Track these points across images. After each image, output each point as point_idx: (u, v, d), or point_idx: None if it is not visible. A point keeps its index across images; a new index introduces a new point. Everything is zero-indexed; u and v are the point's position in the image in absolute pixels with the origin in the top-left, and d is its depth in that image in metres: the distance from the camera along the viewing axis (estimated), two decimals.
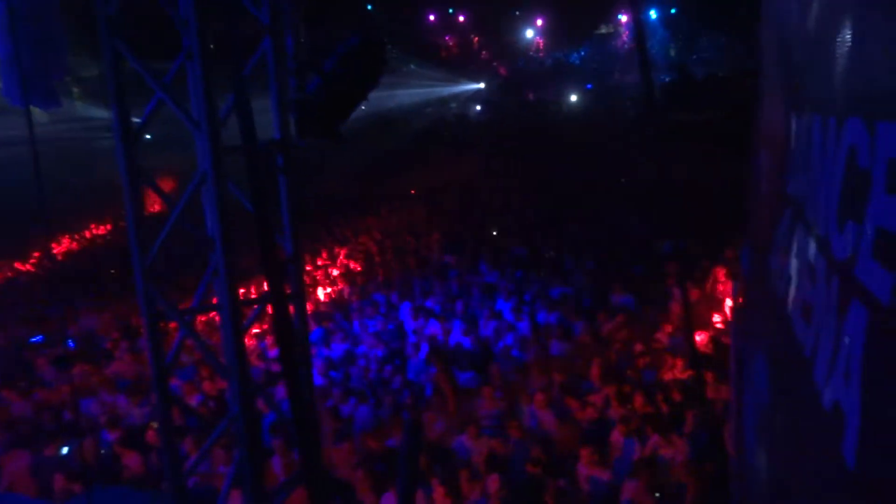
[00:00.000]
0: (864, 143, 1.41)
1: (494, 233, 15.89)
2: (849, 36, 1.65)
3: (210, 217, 3.11)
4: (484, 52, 25.39)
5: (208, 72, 2.88)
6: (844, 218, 1.56)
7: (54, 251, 19.44)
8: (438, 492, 5.98)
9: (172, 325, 6.51)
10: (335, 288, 13.91)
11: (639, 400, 7.32)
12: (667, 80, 21.39)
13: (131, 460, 7.09)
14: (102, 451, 7.44)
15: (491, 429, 7.50)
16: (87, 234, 21.10)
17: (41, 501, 6.17)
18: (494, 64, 25.34)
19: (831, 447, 1.50)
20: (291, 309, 3.59)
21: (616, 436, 6.84)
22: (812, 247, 2.03)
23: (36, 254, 18.83)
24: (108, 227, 21.58)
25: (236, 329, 2.97)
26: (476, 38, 25.58)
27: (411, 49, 23.60)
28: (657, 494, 5.87)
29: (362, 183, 22.04)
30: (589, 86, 24.79)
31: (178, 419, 6.93)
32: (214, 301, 3.45)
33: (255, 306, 3.54)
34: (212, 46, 2.96)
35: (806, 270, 2.14)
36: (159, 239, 3.09)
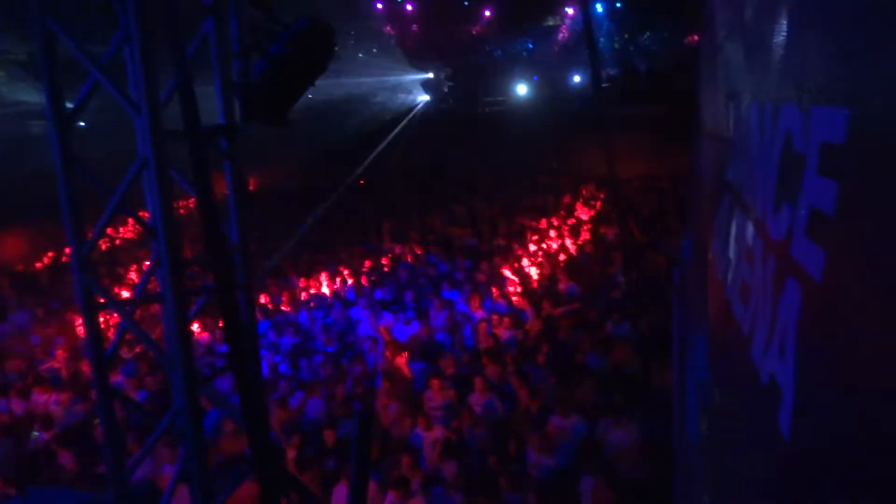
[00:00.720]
0: (799, 127, 1.47)
1: (444, 223, 15.92)
2: (784, 24, 1.72)
3: (152, 204, 3.00)
4: (433, 42, 25.34)
5: (148, 51, 2.76)
6: (780, 200, 1.63)
7: None
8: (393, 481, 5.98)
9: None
10: (285, 280, 13.68)
11: (586, 386, 7.49)
12: (612, 73, 21.83)
13: (67, 459, 6.83)
14: (33, 445, 7.14)
15: (443, 419, 7.54)
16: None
17: None
18: (443, 54, 25.35)
19: (768, 419, 1.57)
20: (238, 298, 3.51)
21: (559, 421, 6.97)
22: (750, 229, 2.11)
23: None
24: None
25: (181, 319, 2.88)
26: (425, 28, 25.48)
27: (358, 37, 23.31)
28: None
29: (308, 173, 21.71)
30: (535, 77, 25.08)
31: (120, 416, 6.72)
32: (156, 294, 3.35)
33: (199, 297, 3.44)
34: (151, 26, 2.85)
35: (744, 253, 2.22)
36: (97, 228, 2.96)
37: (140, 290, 3.11)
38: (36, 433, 7.33)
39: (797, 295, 1.43)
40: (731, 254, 2.44)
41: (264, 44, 3.44)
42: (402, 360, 8.58)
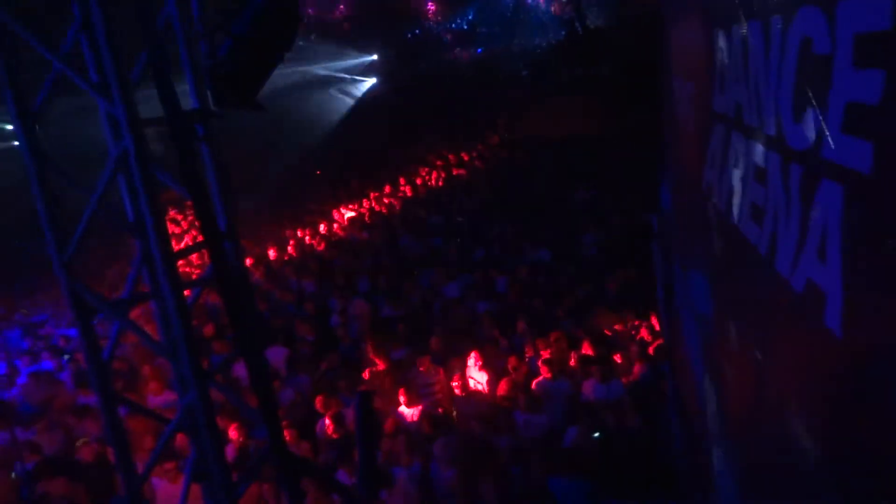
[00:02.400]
0: (821, 28, 1.48)
1: (411, 206, 15.79)
2: None
3: (133, 199, 2.86)
4: (373, 24, 24.97)
5: (111, 33, 2.60)
6: (802, 107, 1.64)
7: None
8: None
9: None
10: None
11: (567, 346, 7.59)
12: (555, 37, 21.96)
13: (56, 486, 6.57)
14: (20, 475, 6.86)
15: (430, 396, 7.51)
16: None
17: None
18: (386, 34, 25.03)
19: (811, 324, 1.60)
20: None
21: (546, 381, 7.04)
22: (758, 149, 2.13)
23: None
24: None
25: (182, 311, 2.77)
26: (364, 10, 25.08)
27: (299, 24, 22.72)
28: (596, 434, 6.08)
29: (260, 164, 21.20)
30: (479, 50, 25.00)
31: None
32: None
33: (192, 290, 3.32)
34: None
35: (752, 175, 2.25)
36: (79, 229, 2.82)
37: (129, 290, 2.98)
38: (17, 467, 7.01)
39: (837, 195, 1.45)
40: (734, 180, 2.47)
41: (227, 23, 3.31)
42: (379, 346, 8.46)
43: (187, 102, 3.20)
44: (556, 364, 7.07)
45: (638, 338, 7.67)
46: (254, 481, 3.29)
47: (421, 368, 7.93)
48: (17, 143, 2.88)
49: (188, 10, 3.12)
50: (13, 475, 6.78)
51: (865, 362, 1.39)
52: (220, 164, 3.19)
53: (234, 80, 3.37)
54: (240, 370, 8.25)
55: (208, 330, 9.28)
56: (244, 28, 3.32)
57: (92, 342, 2.87)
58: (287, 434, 6.76)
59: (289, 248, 14.23)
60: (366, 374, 8.07)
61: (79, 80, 2.67)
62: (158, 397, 7.70)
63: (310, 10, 24.79)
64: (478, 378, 7.67)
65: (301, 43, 21.04)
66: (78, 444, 6.94)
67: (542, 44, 23.48)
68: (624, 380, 6.86)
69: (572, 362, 7.26)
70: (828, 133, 1.47)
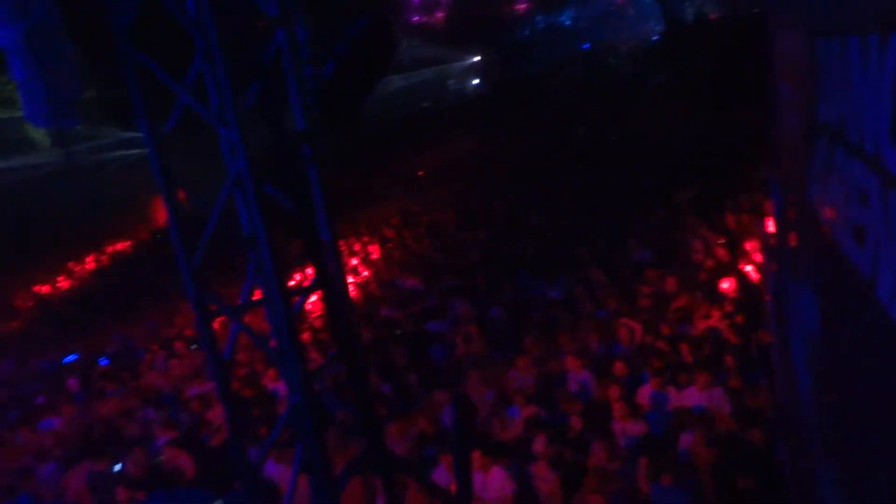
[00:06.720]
0: None
1: (510, 204, 15.76)
2: None
3: (247, 215, 3.14)
4: (474, 25, 25.17)
5: (230, 67, 2.88)
6: None
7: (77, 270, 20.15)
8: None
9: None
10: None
11: (672, 352, 7.37)
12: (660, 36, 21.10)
13: (185, 463, 7.19)
14: (155, 461, 7.56)
15: (533, 396, 7.52)
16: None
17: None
18: (487, 36, 25.17)
19: None
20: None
21: (648, 389, 6.86)
22: (859, 167, 2.03)
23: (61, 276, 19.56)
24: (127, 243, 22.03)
25: (289, 317, 3.03)
26: (464, 11, 25.35)
27: (400, 32, 23.42)
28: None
29: (361, 174, 21.85)
30: (586, 45, 24.46)
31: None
32: (256, 296, 3.53)
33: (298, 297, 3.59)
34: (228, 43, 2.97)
35: (854, 193, 2.14)
36: (204, 238, 3.14)
37: (245, 296, 3.28)
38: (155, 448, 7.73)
39: None
40: (837, 196, 2.36)
41: (331, 46, 3.54)
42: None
43: (293, 124, 3.46)
44: (664, 374, 6.89)
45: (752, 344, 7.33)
46: (348, 482, 3.50)
47: (519, 369, 7.99)
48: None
49: (294, 36, 3.37)
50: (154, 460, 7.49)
51: None
52: (322, 180, 3.42)
53: (341, 99, 3.61)
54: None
55: (305, 336, 9.79)
56: (347, 50, 3.54)
57: (212, 342, 3.18)
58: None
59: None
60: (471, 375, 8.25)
61: (201, 109, 2.97)
62: (276, 384, 8.22)
63: (415, 18, 25.41)
64: (579, 380, 7.60)
65: (404, 50, 21.57)
66: (212, 429, 7.56)
67: (647, 38, 22.68)
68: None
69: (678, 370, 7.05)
70: None
